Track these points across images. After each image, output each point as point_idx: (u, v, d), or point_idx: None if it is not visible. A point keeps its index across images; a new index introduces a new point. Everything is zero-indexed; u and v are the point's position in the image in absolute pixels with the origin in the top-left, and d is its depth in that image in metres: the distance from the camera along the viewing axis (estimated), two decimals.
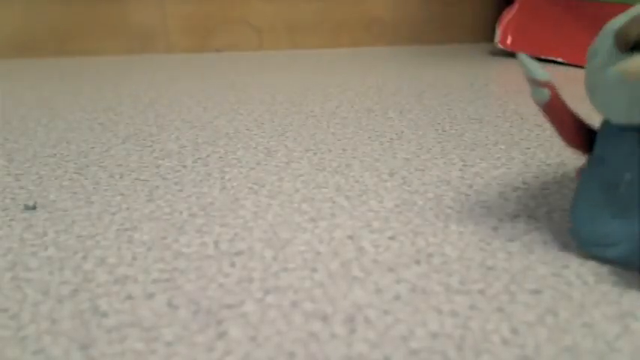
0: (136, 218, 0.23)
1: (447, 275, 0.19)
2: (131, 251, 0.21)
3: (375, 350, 0.15)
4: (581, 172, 0.20)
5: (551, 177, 0.28)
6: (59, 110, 0.44)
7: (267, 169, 0.30)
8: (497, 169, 0.29)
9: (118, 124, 0.39)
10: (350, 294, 0.18)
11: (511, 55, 0.76)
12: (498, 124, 0.38)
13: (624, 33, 0.17)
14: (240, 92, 0.50)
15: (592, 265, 0.20)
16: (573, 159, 0.31)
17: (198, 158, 0.31)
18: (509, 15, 0.76)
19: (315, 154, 0.32)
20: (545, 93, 0.20)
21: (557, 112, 0.20)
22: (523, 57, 0.20)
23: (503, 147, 0.33)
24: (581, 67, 0.63)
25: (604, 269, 0.19)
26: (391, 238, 0.22)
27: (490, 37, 0.92)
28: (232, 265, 0.20)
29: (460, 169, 0.29)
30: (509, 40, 0.74)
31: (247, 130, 0.37)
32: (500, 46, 0.74)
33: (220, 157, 0.31)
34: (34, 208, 0.24)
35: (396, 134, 0.36)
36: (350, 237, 0.22)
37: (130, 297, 0.18)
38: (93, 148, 0.34)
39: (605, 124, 0.20)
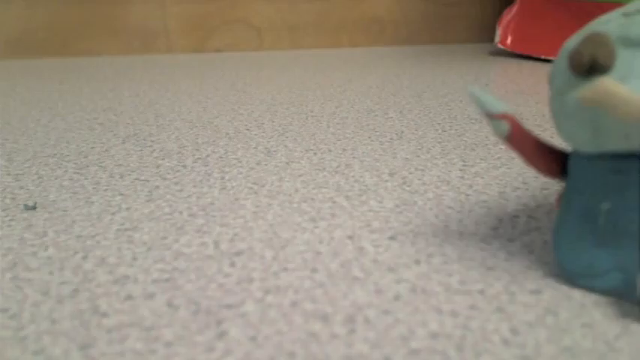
0: (136, 218, 0.23)
1: (447, 275, 0.19)
2: (131, 251, 0.21)
3: (375, 350, 0.15)
4: (560, 200, 0.19)
5: None
6: (59, 110, 0.44)
7: (267, 169, 0.30)
8: (497, 169, 0.29)
9: (118, 124, 0.39)
10: (350, 294, 0.18)
11: (511, 55, 0.76)
12: None
13: (578, 55, 0.16)
14: (240, 92, 0.50)
15: None
16: None
17: (198, 158, 0.31)
18: (509, 15, 0.76)
19: (315, 154, 0.32)
20: (504, 126, 0.18)
21: (521, 144, 0.18)
22: (474, 90, 0.18)
23: (503, 147, 0.33)
24: None
25: None
26: (391, 238, 0.22)
27: (490, 37, 0.92)
28: (232, 265, 0.20)
29: (460, 169, 0.29)
30: (509, 40, 0.74)
31: (247, 130, 0.37)
32: (500, 46, 0.74)
33: (220, 157, 0.31)
34: (34, 208, 0.24)
35: (396, 134, 0.36)
36: (350, 237, 0.22)
37: (130, 297, 0.18)
38: (93, 148, 0.34)
39: (575, 153, 0.18)
